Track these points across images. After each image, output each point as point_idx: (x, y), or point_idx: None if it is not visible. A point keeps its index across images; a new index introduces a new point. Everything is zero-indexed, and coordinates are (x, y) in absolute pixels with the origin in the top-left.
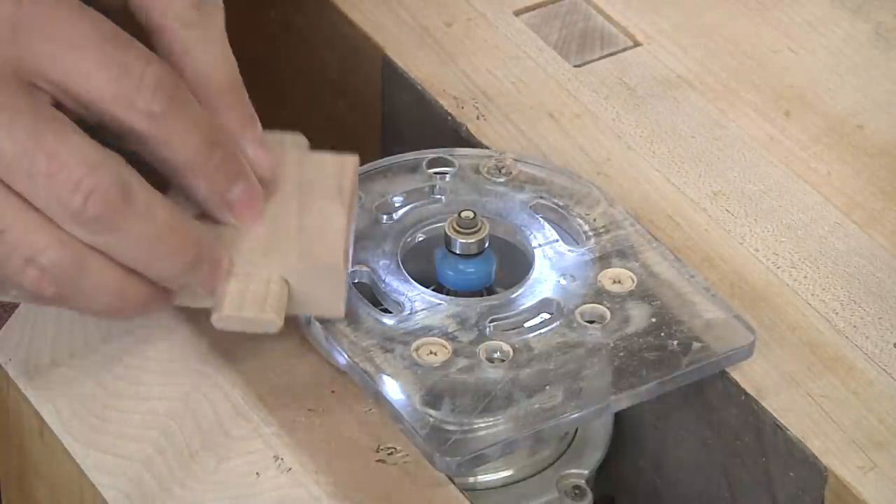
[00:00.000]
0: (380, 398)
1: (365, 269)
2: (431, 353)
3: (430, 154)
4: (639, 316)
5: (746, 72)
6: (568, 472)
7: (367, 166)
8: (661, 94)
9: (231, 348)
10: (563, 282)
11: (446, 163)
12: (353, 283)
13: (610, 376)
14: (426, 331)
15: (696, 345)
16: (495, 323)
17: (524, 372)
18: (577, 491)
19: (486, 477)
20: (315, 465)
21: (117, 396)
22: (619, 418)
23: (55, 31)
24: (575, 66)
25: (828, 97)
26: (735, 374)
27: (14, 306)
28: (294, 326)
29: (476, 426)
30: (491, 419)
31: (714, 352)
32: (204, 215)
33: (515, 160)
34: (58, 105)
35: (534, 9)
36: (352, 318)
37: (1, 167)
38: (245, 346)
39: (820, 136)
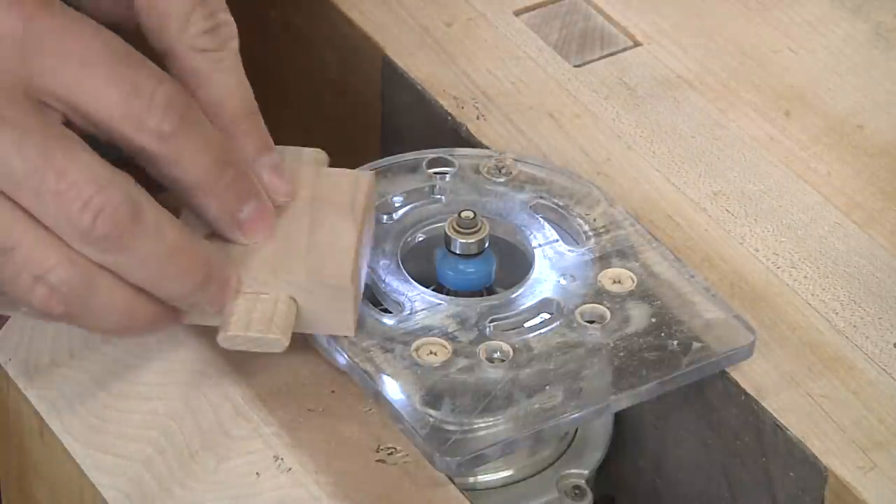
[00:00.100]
0: (380, 398)
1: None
2: (431, 353)
3: (430, 154)
4: (639, 316)
5: (746, 72)
6: (568, 472)
7: (366, 166)
8: (661, 94)
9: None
10: (563, 282)
11: (446, 163)
12: None
13: (610, 376)
14: (426, 331)
15: (696, 345)
16: (495, 323)
17: (524, 372)
18: (577, 491)
19: (486, 477)
20: (315, 465)
21: (117, 396)
22: (619, 418)
23: (66, 48)
24: (575, 66)
25: (828, 97)
26: (735, 374)
27: None
28: None
29: (476, 426)
30: (491, 419)
31: (714, 352)
32: (215, 233)
33: (515, 160)
34: (68, 123)
35: (534, 9)
36: None
37: (10, 185)
38: None
39: (820, 136)
